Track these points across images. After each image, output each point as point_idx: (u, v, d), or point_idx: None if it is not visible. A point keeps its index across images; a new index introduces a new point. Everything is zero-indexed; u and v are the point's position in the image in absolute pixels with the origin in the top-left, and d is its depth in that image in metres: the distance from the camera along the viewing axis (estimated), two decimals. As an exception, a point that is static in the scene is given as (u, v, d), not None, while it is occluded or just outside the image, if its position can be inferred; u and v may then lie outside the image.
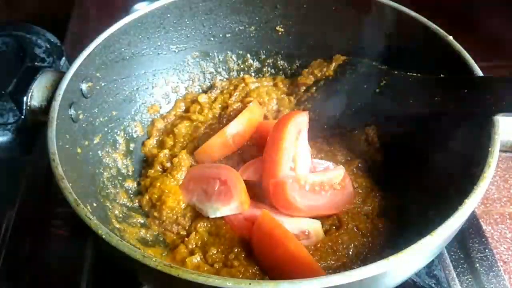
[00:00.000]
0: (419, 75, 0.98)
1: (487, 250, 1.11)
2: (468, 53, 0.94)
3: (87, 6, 1.87)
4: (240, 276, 0.87)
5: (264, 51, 1.30)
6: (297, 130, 1.00)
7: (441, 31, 0.99)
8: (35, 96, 0.96)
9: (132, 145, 1.16)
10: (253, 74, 1.32)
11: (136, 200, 1.07)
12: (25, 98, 0.96)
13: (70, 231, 1.16)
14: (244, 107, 1.16)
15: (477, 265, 1.09)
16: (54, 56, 1.18)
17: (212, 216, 0.97)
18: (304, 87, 1.21)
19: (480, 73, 0.91)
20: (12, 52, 1.15)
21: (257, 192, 0.99)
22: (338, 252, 0.93)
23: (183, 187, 1.04)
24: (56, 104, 0.89)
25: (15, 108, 1.00)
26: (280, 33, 1.25)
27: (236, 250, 0.92)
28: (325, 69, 1.18)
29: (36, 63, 1.13)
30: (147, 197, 1.05)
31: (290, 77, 1.30)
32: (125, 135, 1.15)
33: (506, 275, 1.09)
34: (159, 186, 1.04)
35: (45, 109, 0.93)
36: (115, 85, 1.11)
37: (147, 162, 1.17)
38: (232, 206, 0.94)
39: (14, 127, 1.00)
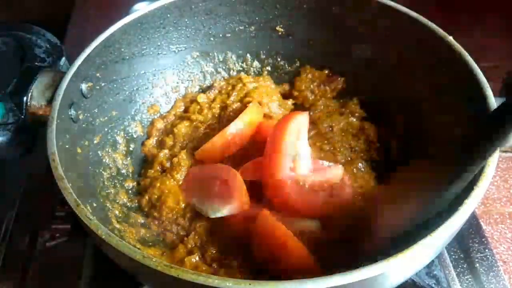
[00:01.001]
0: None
1: (487, 250, 1.11)
2: (468, 53, 0.94)
3: (87, 6, 1.87)
4: (239, 276, 0.87)
5: (264, 51, 1.29)
6: (297, 130, 1.00)
7: (441, 31, 0.99)
8: (35, 96, 0.96)
9: (132, 145, 1.16)
10: (253, 74, 1.32)
11: (136, 200, 1.07)
12: (25, 98, 0.96)
13: (70, 231, 1.16)
14: (243, 107, 1.16)
15: (477, 265, 1.09)
16: (54, 56, 1.18)
17: (212, 216, 0.97)
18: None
19: (480, 73, 0.90)
20: (12, 52, 1.15)
21: (257, 192, 0.99)
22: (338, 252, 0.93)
23: (183, 187, 1.04)
24: (56, 104, 0.89)
25: (15, 108, 1.00)
26: (280, 33, 1.25)
27: (235, 250, 0.92)
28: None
29: (36, 63, 1.13)
30: (147, 197, 1.05)
31: (290, 77, 1.30)
32: (125, 135, 1.15)
33: (506, 275, 1.09)
34: (159, 186, 1.04)
35: (45, 109, 0.93)
36: (115, 85, 1.11)
37: (147, 162, 1.17)
38: (232, 206, 0.94)
39: (14, 127, 1.00)
